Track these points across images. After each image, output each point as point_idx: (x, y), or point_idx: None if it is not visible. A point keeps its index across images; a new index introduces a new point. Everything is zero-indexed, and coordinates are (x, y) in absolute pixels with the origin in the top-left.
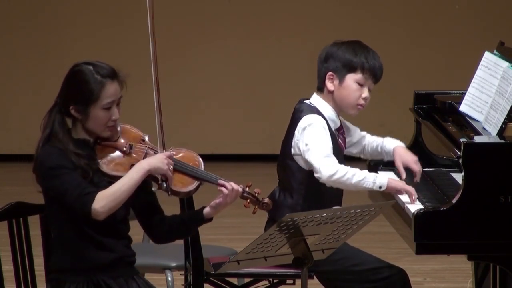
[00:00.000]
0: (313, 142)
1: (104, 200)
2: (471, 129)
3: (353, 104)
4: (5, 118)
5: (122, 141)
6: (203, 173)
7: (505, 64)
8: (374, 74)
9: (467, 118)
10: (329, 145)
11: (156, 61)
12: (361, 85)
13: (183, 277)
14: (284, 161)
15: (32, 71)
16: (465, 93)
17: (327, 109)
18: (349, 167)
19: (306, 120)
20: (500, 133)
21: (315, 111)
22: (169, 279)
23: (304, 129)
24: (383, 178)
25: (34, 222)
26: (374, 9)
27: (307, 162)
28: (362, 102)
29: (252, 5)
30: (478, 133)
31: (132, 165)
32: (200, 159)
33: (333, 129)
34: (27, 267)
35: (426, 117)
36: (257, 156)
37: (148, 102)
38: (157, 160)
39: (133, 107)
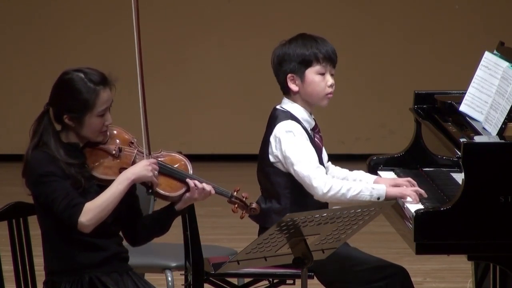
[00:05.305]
0: (297, 155)
1: (91, 213)
2: (471, 129)
3: (322, 95)
4: (5, 118)
5: (111, 144)
6: (190, 176)
7: (505, 64)
8: (330, 59)
9: (467, 118)
10: (313, 153)
11: (142, 64)
12: (322, 74)
13: (183, 277)
14: (264, 169)
15: (32, 71)
16: (465, 93)
17: (299, 111)
18: (343, 180)
19: (281, 128)
20: (500, 133)
21: (289, 115)
22: (169, 279)
23: (280, 137)
24: (380, 189)
25: (34, 222)
26: (374, 9)
27: (292, 172)
28: (329, 90)
29: (252, 5)
30: (478, 133)
31: (122, 168)
32: (189, 162)
33: (309, 129)
34: (27, 267)
35: (426, 117)
36: (256, 157)
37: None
38: (141, 168)
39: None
